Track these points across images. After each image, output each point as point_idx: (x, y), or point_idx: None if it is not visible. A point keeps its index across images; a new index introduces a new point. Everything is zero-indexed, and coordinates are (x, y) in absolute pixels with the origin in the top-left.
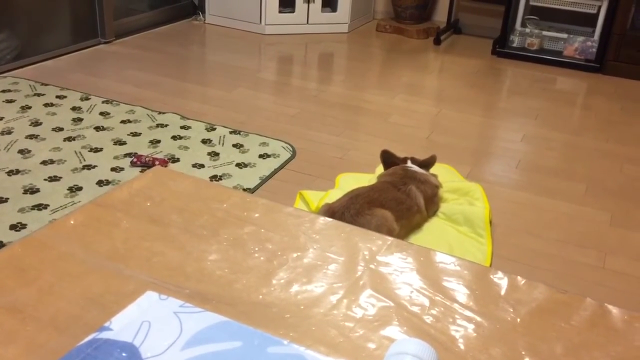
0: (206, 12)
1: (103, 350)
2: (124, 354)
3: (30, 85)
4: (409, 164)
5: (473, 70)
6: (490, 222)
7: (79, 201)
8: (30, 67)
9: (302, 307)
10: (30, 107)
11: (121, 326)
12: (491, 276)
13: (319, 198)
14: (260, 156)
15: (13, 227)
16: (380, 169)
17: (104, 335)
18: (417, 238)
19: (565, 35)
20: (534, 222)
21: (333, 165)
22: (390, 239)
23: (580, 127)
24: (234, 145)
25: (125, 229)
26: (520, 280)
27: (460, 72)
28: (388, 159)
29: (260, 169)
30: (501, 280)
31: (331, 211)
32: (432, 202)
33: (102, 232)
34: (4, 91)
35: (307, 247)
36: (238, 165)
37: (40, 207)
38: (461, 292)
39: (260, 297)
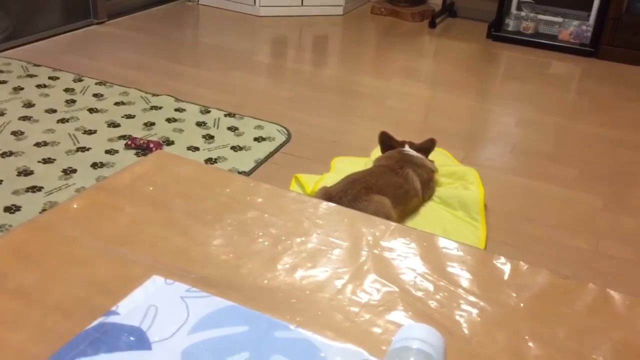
0: None
1: (111, 335)
2: (131, 338)
3: (22, 66)
4: (406, 147)
5: (468, 54)
6: (485, 207)
7: (73, 183)
8: (22, 48)
9: (307, 292)
10: (22, 89)
11: (128, 310)
12: (494, 262)
13: (314, 181)
14: (255, 139)
15: (7, 210)
16: (375, 153)
17: (111, 319)
18: (413, 222)
19: (560, 19)
20: (528, 207)
21: (328, 148)
22: (393, 224)
23: (575, 112)
24: (228, 128)
25: (128, 214)
26: (523, 266)
27: (455, 55)
28: (386, 141)
29: (256, 152)
30: (504, 266)
31: (328, 195)
32: (428, 186)
33: (105, 216)
34: None
35: (311, 232)
36: (233, 148)
37: (34, 189)
38: (465, 278)
39: (266, 281)
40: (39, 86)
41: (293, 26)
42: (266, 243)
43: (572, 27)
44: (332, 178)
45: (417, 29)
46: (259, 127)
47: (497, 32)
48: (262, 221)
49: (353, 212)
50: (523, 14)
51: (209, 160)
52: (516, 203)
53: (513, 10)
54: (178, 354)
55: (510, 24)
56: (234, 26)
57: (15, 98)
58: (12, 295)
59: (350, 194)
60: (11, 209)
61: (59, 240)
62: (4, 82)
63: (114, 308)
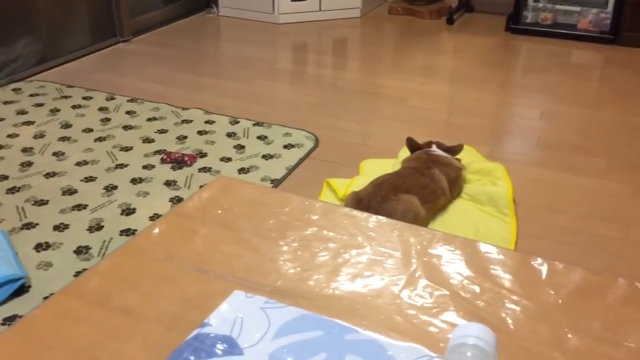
0: (219, 4)
1: (208, 343)
2: (225, 345)
3: (56, 89)
4: (434, 148)
5: (487, 49)
6: (514, 201)
7: (115, 200)
8: (54, 70)
9: (368, 298)
10: (59, 110)
11: (219, 322)
12: (532, 263)
13: (345, 185)
14: (285, 147)
15: (56, 228)
16: (403, 153)
17: (206, 330)
18: (442, 220)
19: (578, 8)
20: (557, 199)
21: (356, 151)
22: (438, 233)
23: (598, 100)
24: (258, 137)
25: (203, 235)
26: (559, 265)
27: (474, 51)
28: (413, 145)
29: (286, 159)
30: (541, 266)
31: (358, 199)
32: (455, 184)
33: (184, 239)
34: (32, 95)
35: (365, 245)
36: (264, 156)
37: (79, 207)
38: (506, 279)
39: (331, 291)
40: (74, 107)
41: (312, 31)
42: (327, 256)
43: (591, 15)
44: (361, 181)
45: (435, 27)
46: (287, 134)
47: (515, 24)
48: (320, 236)
49: (401, 224)
50: (541, 5)
51: (242, 170)
52: (544, 196)
53: (530, 2)
54: (266, 357)
55: (529, 16)
56: (255, 35)
57: (53, 119)
58: (120, 313)
59: (378, 195)
60: (60, 228)
61: (149, 262)
62: (40, 104)
63: (206, 320)
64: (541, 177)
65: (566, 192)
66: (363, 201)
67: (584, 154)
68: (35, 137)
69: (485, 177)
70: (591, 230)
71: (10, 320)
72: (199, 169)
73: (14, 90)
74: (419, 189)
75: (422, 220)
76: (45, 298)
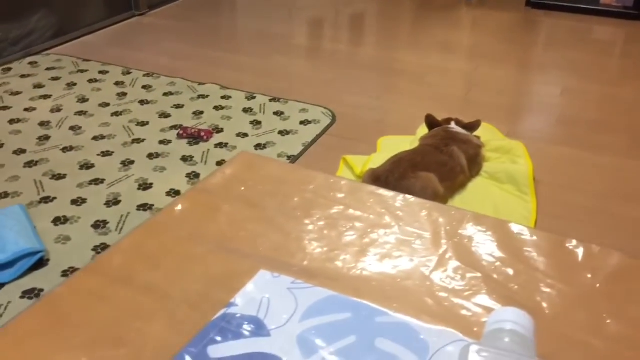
0: None
1: (234, 324)
2: (252, 326)
3: (72, 62)
4: (452, 125)
5: (507, 24)
6: (534, 179)
7: (133, 174)
8: (70, 44)
9: (398, 280)
10: (75, 84)
11: (245, 302)
12: (567, 245)
13: (362, 162)
14: (301, 123)
15: (74, 202)
16: (422, 131)
17: (232, 310)
18: (461, 198)
19: None
20: (578, 177)
21: (373, 128)
22: (468, 213)
23: (621, 77)
24: (274, 113)
25: (227, 213)
26: (595, 248)
27: (493, 26)
28: (432, 122)
29: (303, 135)
30: (577, 249)
31: (375, 176)
32: (475, 162)
33: (207, 216)
34: (48, 69)
35: (393, 224)
36: (280, 132)
37: (97, 181)
38: (541, 261)
39: (359, 272)
40: (90, 81)
41: (328, 6)
42: (354, 236)
43: None
44: (379, 158)
45: (454, 2)
46: (303, 110)
47: None
48: (347, 215)
49: (430, 204)
50: None
51: (258, 146)
52: (565, 174)
53: None
54: (294, 339)
55: None
56: (271, 10)
57: (69, 94)
58: (143, 292)
59: (396, 172)
60: (77, 202)
61: (172, 240)
62: (57, 78)
63: (232, 300)
64: (561, 156)
65: (587, 171)
66: (381, 178)
67: (606, 132)
68: (52, 111)
69: (505, 155)
70: (613, 210)
71: (29, 293)
72: (215, 145)
73: (30, 64)
74: (438, 167)
75: (440, 199)
76: (65, 272)
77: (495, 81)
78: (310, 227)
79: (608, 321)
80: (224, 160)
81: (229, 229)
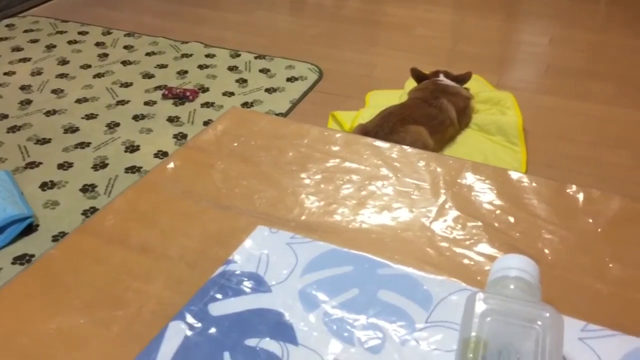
0: None
1: (234, 281)
2: (252, 282)
3: (50, 24)
4: (441, 77)
5: None
6: (524, 130)
7: (119, 137)
8: (47, 5)
9: (398, 231)
10: (55, 46)
11: (244, 258)
12: (567, 190)
13: (351, 118)
14: (288, 80)
15: (61, 167)
16: (409, 84)
17: (231, 267)
18: (451, 150)
19: None
20: (567, 127)
21: (361, 83)
22: (467, 162)
23: (608, 24)
24: (260, 71)
25: (221, 170)
26: (596, 193)
27: None
28: (419, 75)
29: (290, 92)
30: (577, 195)
31: (365, 131)
32: (464, 114)
33: (201, 173)
34: (26, 31)
35: (391, 176)
36: (267, 90)
37: (82, 145)
38: (542, 208)
39: (358, 224)
40: (70, 42)
41: None
42: (351, 188)
43: None
44: (368, 113)
45: None
46: (290, 67)
47: None
48: (343, 168)
49: (427, 154)
50: None
51: (245, 105)
52: (555, 124)
53: None
54: (296, 294)
55: None
56: None
57: (49, 56)
58: (140, 251)
59: (386, 127)
60: (64, 166)
61: (166, 198)
62: (35, 40)
63: (230, 257)
64: (551, 105)
65: (576, 120)
66: (370, 133)
67: (595, 79)
68: (32, 74)
69: (494, 107)
70: (602, 157)
71: (20, 259)
72: (201, 104)
73: (7, 26)
74: (427, 120)
75: (430, 151)
76: (55, 237)
77: (483, 31)
78: (307, 181)
79: (611, 265)
80: (211, 120)
81: (223, 185)
